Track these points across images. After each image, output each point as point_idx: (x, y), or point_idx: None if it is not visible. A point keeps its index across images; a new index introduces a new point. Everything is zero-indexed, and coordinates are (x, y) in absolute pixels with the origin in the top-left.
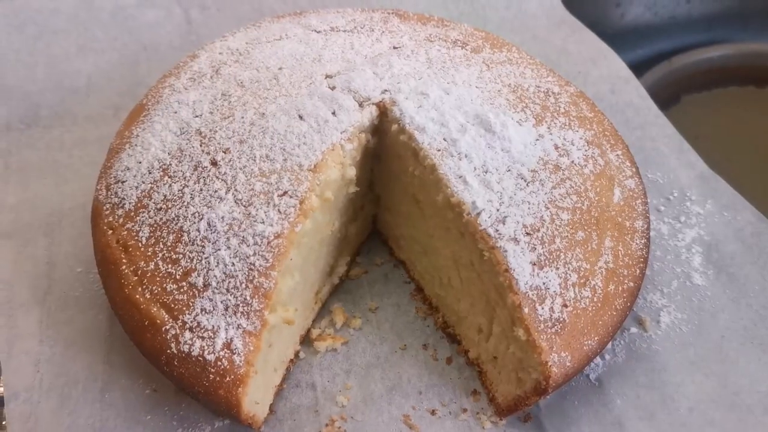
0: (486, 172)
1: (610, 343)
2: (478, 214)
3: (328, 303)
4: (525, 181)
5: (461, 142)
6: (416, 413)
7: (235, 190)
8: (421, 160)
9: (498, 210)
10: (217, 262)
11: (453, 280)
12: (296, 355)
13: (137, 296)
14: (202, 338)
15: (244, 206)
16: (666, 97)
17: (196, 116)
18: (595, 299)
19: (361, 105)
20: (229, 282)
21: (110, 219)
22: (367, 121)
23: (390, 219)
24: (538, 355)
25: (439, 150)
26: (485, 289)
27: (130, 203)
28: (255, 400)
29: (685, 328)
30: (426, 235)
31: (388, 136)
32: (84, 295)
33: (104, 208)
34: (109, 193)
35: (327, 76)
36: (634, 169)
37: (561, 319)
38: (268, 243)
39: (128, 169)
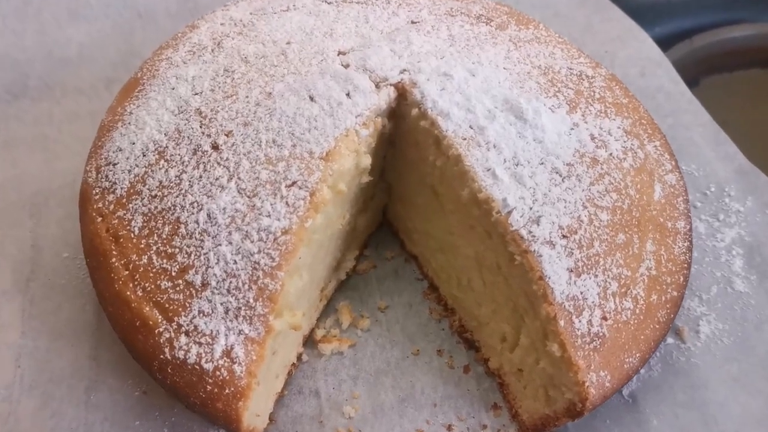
0: (517, 165)
1: None
2: (509, 212)
3: (333, 300)
4: (560, 176)
5: (489, 130)
6: (430, 428)
7: (238, 178)
8: (444, 149)
9: (531, 209)
10: (218, 259)
11: (474, 282)
12: (299, 358)
13: (128, 293)
14: (200, 344)
15: (248, 197)
16: (685, 80)
17: (196, 94)
18: (637, 311)
19: (377, 86)
20: (231, 282)
21: (100, 205)
22: (384, 104)
23: (402, 211)
24: (575, 374)
25: (464, 139)
26: (513, 296)
27: (122, 188)
28: (256, 413)
29: (728, 341)
30: (444, 232)
31: (406, 121)
32: (71, 282)
33: (94, 192)
34: (99, 176)
35: (340, 53)
36: (673, 163)
37: (600, 334)
38: (275, 239)
39: (120, 150)
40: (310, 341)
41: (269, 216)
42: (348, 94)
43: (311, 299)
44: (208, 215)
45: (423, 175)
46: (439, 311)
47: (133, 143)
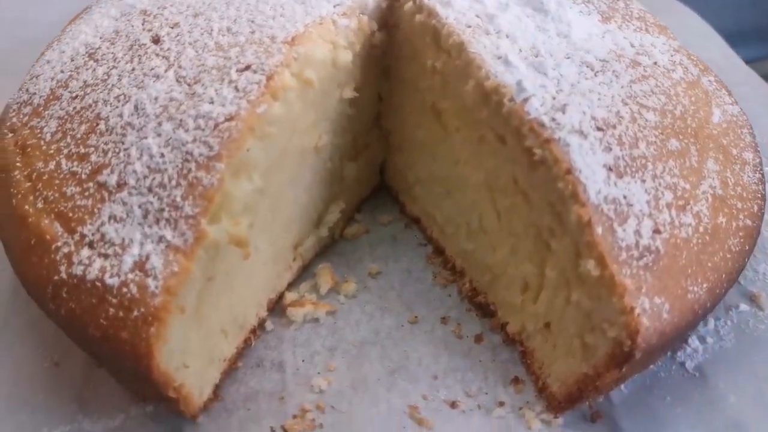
0: (537, 56)
1: (713, 322)
2: (526, 99)
3: (312, 266)
4: (592, 70)
5: (501, 19)
6: (428, 405)
7: (179, 66)
8: (443, 42)
9: (555, 98)
10: (141, 154)
11: (486, 220)
12: (261, 324)
13: (26, 206)
14: (105, 256)
15: (188, 84)
16: None
17: None
18: (701, 229)
19: None
20: (154, 178)
21: (14, 120)
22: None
23: (402, 160)
24: (619, 297)
25: (469, 26)
26: (534, 217)
27: (40, 97)
28: (183, 361)
29: None
30: (450, 164)
31: (400, 28)
32: None
33: (11, 110)
34: (21, 91)
35: None
36: (732, 99)
37: (653, 248)
38: (216, 126)
39: (48, 62)
40: (278, 309)
41: (212, 102)
42: None
43: (274, 241)
44: (135, 107)
45: (423, 94)
46: (445, 276)
47: (63, 52)
